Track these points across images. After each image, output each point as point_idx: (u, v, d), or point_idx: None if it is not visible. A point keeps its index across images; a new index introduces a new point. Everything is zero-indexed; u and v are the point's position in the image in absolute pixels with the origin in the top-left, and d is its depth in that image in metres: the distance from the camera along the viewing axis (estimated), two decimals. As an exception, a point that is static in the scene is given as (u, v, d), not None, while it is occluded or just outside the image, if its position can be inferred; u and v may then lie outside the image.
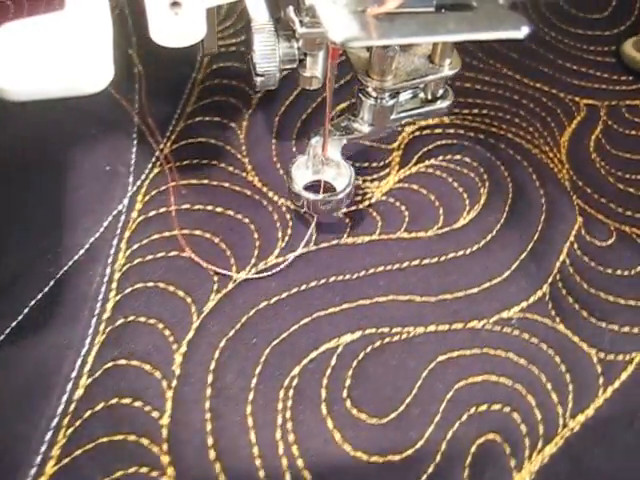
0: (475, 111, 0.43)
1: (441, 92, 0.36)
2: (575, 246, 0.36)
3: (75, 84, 0.26)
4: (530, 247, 0.36)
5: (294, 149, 0.40)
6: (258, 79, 0.33)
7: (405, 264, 0.35)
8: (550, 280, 0.35)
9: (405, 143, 0.41)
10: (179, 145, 0.40)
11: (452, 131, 0.42)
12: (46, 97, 0.26)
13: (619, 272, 0.36)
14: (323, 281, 0.34)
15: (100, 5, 0.26)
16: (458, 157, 0.40)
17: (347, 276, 0.35)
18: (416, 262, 0.35)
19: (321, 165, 0.34)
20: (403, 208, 0.38)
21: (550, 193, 0.39)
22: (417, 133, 0.41)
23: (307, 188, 0.34)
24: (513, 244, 0.37)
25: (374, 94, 0.34)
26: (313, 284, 0.34)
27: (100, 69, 0.26)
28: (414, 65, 0.34)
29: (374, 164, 0.40)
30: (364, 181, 0.39)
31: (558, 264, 0.36)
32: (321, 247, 0.36)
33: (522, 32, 0.27)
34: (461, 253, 0.36)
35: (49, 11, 0.25)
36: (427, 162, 0.40)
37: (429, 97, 0.36)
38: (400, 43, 0.31)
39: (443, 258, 0.36)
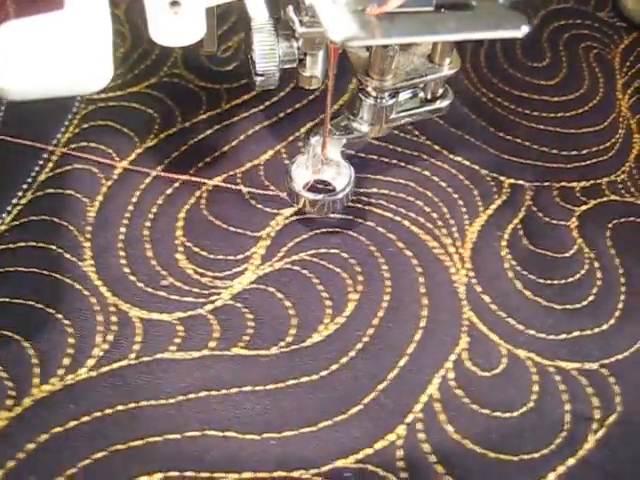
0: (373, 190, 0.37)
1: (441, 92, 0.36)
2: (450, 375, 0.31)
3: (75, 84, 0.26)
4: (394, 375, 0.31)
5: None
6: (258, 79, 0.33)
7: (234, 389, 0.29)
8: (402, 428, 0.29)
9: (277, 230, 0.35)
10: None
11: (337, 215, 0.36)
12: (46, 97, 0.26)
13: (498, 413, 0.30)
14: (121, 408, 0.29)
15: (100, 5, 0.26)
16: (335, 250, 0.34)
17: (161, 401, 0.29)
18: (247, 388, 0.30)
19: (321, 165, 0.34)
20: (250, 316, 0.32)
21: (435, 305, 0.33)
22: (294, 218, 0.35)
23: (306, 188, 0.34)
24: (373, 370, 0.30)
25: (374, 94, 0.34)
26: (109, 411, 0.28)
27: (100, 69, 0.26)
28: (414, 65, 0.34)
29: (230, 257, 0.34)
30: (214, 278, 0.33)
31: (419, 406, 0.30)
32: (140, 361, 0.30)
33: (522, 31, 0.27)
34: (305, 379, 0.30)
35: (49, 11, 0.25)
36: (296, 256, 0.34)
37: (429, 97, 0.36)
38: (400, 43, 0.31)
39: (281, 385, 0.30)
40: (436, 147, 0.39)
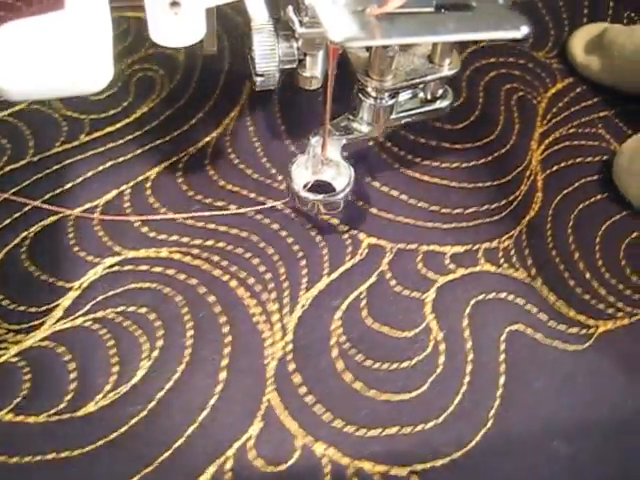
0: (209, 242, 0.34)
1: (440, 92, 0.36)
2: (227, 466, 0.28)
3: (75, 84, 0.26)
4: (164, 458, 0.28)
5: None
6: (258, 79, 0.33)
7: None
8: None
9: (92, 280, 0.32)
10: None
11: (159, 269, 0.33)
12: (46, 97, 0.26)
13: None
14: None
15: (100, 5, 0.26)
16: (144, 309, 0.32)
17: None
18: (1, 459, 0.27)
19: (321, 165, 0.34)
20: (28, 377, 0.30)
21: (234, 381, 0.30)
22: (115, 268, 0.33)
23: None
24: (142, 451, 0.28)
25: (374, 94, 0.34)
26: None
27: (100, 69, 0.26)
28: (414, 65, 0.34)
29: (33, 308, 0.32)
30: (8, 331, 0.31)
31: None
32: None
33: (522, 32, 0.27)
34: (66, 454, 0.28)
35: (49, 11, 0.25)
36: (101, 312, 0.31)
37: (428, 97, 0.36)
38: (400, 43, 0.31)
39: (39, 458, 0.27)
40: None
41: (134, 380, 0.29)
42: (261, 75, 0.33)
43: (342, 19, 0.27)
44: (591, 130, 0.41)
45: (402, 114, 0.35)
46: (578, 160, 0.39)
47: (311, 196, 0.33)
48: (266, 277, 0.33)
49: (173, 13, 0.27)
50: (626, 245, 0.36)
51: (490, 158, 0.39)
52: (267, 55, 0.32)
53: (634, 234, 0.36)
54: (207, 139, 0.38)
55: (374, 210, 0.36)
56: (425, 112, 0.36)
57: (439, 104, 0.36)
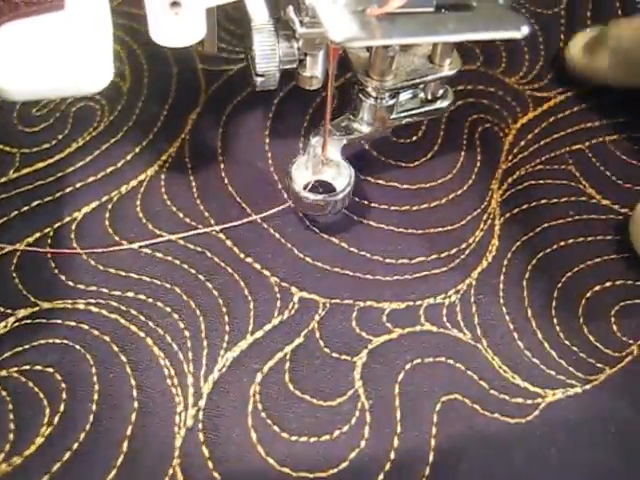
0: (115, 292, 0.32)
1: (441, 92, 0.36)
2: None
3: (75, 84, 0.26)
4: None
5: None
6: (258, 79, 0.33)
7: None
8: None
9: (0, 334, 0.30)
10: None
11: (72, 324, 0.31)
12: (46, 97, 0.26)
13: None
14: None
15: (100, 5, 0.26)
16: (50, 369, 0.29)
17: None
18: None
19: (321, 165, 0.34)
20: None
21: (136, 456, 0.28)
22: (27, 321, 0.31)
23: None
24: None
25: (374, 94, 0.34)
26: None
27: (100, 69, 0.26)
28: (414, 65, 0.34)
29: None
30: None
31: None
32: None
33: (522, 32, 0.27)
34: None
35: (49, 11, 0.25)
36: (3, 372, 0.29)
37: (429, 97, 0.36)
38: (400, 43, 0.31)
39: None
40: (228, 243, 0.33)
41: (27, 452, 0.27)
42: (261, 75, 0.33)
43: (342, 19, 0.26)
44: (560, 167, 0.37)
45: (402, 114, 0.35)
46: (542, 202, 0.35)
47: (312, 196, 0.33)
48: (185, 334, 0.30)
49: (173, 13, 0.27)
50: (586, 300, 0.32)
51: (444, 200, 0.35)
52: (267, 55, 0.32)
53: (596, 287, 0.33)
54: (141, 177, 0.35)
55: (309, 259, 0.33)
56: (425, 112, 0.36)
57: (439, 104, 0.36)
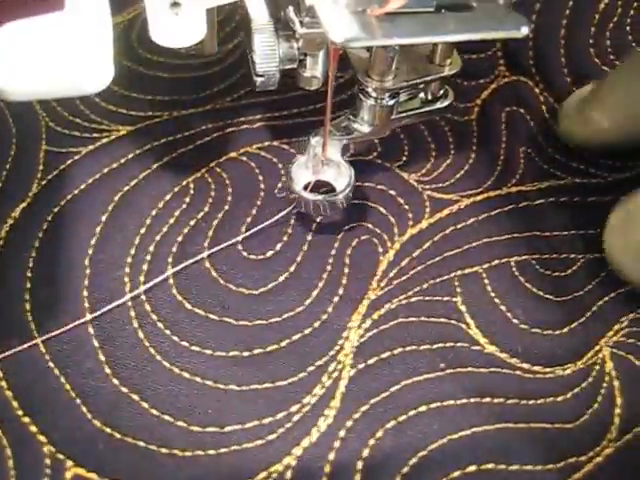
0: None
1: (441, 92, 0.36)
2: None
3: (75, 84, 0.26)
4: None
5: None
6: (258, 79, 0.33)
7: None
8: None
9: None
10: None
11: None
12: (46, 97, 0.26)
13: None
14: None
15: (100, 5, 0.26)
16: None
17: None
18: None
19: (321, 165, 0.34)
20: None
21: None
22: None
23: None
24: None
25: (374, 94, 0.34)
26: None
27: (100, 69, 0.26)
28: (414, 65, 0.34)
29: None
30: None
31: None
32: None
33: (522, 32, 0.27)
34: None
35: (49, 11, 0.25)
36: None
37: (429, 97, 0.36)
38: (400, 43, 0.31)
39: None
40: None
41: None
42: (261, 75, 0.33)
43: (343, 19, 0.27)
44: (442, 298, 0.29)
45: (402, 114, 0.35)
46: (409, 349, 0.27)
47: (312, 196, 0.33)
48: None
49: (174, 13, 0.27)
50: None
51: (284, 343, 0.27)
52: (268, 55, 0.32)
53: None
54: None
55: None
56: (425, 112, 0.36)
57: (440, 104, 0.36)
